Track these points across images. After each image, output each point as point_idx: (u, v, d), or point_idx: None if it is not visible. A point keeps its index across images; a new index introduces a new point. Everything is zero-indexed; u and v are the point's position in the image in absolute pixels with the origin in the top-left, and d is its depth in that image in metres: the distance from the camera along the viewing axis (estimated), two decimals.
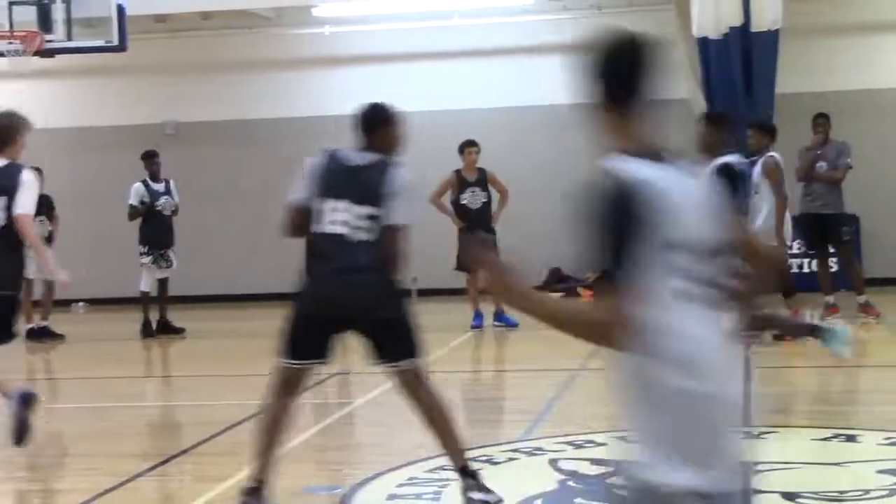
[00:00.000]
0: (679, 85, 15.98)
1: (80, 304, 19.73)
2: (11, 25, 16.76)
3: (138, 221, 16.44)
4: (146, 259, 16.42)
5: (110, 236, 18.62)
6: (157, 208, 16.36)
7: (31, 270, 16.42)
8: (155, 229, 16.47)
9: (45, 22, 17.26)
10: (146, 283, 16.44)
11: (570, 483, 8.11)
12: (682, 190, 3.72)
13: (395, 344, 7.51)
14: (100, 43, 17.59)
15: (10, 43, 16.85)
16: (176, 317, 16.69)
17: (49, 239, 15.92)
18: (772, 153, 13.32)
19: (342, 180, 7.35)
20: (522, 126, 19.86)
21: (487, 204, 16.08)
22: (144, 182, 16.44)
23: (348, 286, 7.32)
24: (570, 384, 11.88)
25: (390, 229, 7.30)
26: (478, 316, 16.07)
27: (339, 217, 7.27)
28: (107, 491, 8.34)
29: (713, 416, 3.81)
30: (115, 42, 17.24)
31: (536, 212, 17.42)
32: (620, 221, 3.54)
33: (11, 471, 9.67)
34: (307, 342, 7.50)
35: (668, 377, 3.71)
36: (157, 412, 12.37)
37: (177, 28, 19.96)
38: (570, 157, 14.75)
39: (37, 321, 16.61)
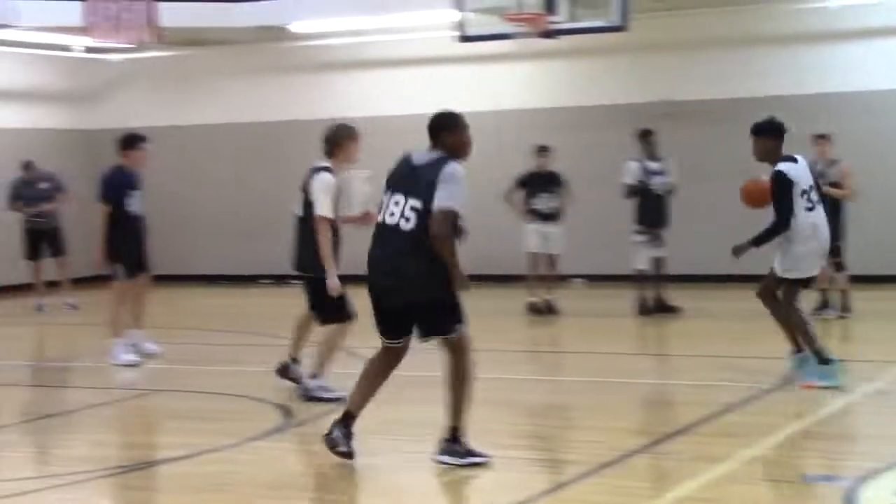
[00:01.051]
0: None
1: (579, 279, 20.13)
2: (520, 7, 17.39)
3: (634, 200, 16.60)
4: (640, 238, 16.55)
5: (608, 213, 18.90)
6: (651, 188, 16.46)
7: (532, 244, 17.04)
8: (649, 209, 16.50)
9: (551, 4, 17.78)
10: (641, 262, 16.54)
11: None
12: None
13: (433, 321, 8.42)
14: (601, 23, 17.89)
15: (518, 25, 17.48)
16: (673, 296, 16.69)
17: None
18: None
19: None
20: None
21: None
22: (640, 161, 16.56)
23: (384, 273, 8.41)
24: None
25: (430, 214, 8.14)
26: None
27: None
28: (605, 465, 8.48)
29: None
30: (618, 22, 17.50)
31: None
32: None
33: (518, 438, 10.08)
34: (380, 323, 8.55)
35: None
36: (654, 390, 12.40)
37: (676, 6, 19.96)
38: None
39: (541, 296, 17.14)
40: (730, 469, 8.33)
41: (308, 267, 10.85)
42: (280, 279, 19.57)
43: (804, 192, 11.00)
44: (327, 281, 10.53)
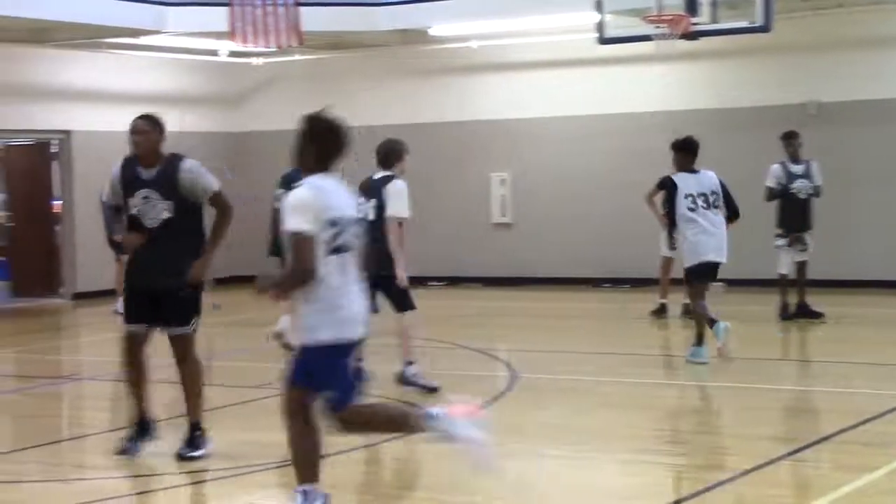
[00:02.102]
0: None
1: (719, 284, 19.90)
2: (660, 9, 17.30)
3: (777, 203, 16.39)
4: (781, 241, 16.33)
5: (750, 216, 18.63)
6: (792, 191, 16.24)
7: (664, 249, 16.92)
8: (792, 212, 16.29)
9: (692, 5, 17.66)
10: (783, 266, 16.35)
11: None
12: None
13: None
14: (744, 24, 17.71)
15: (658, 27, 17.39)
16: (815, 300, 16.43)
17: None
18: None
19: None
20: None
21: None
22: (783, 163, 16.35)
23: None
24: None
25: None
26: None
27: None
28: (745, 472, 8.39)
29: None
30: (760, 23, 17.31)
31: None
32: None
33: (660, 443, 10.02)
34: None
35: None
36: (795, 396, 12.20)
37: (821, 6, 19.66)
38: None
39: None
40: (873, 479, 8.19)
41: (386, 266, 11.43)
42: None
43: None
44: (397, 272, 11.49)
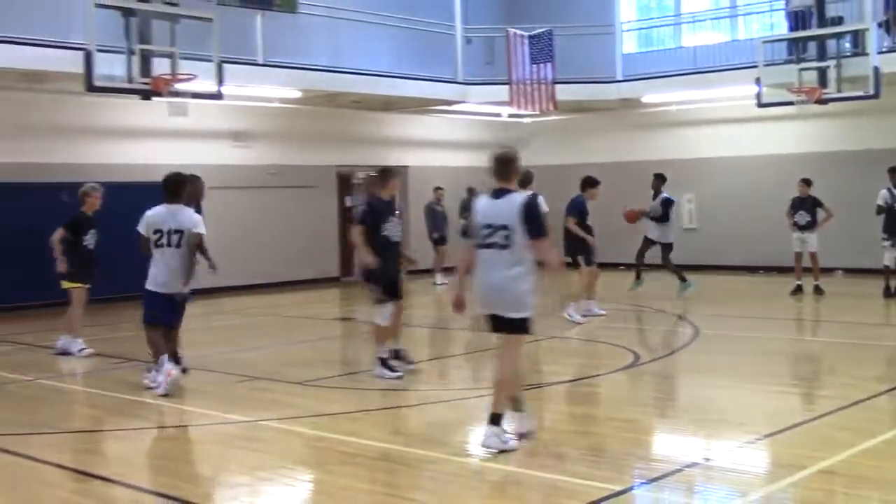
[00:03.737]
0: None
1: (840, 271, 19.33)
2: (801, 83, 17.18)
3: (883, 215, 15.75)
4: (886, 243, 15.67)
5: (864, 225, 18.04)
6: (895, 207, 15.71)
7: (795, 246, 16.57)
8: (893, 222, 15.61)
9: (823, 80, 17.42)
10: (887, 259, 15.63)
11: None
12: None
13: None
14: (860, 93, 17.33)
15: (799, 95, 17.24)
16: None
17: None
18: None
19: None
20: None
21: None
22: (889, 189, 15.62)
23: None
24: None
25: None
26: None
27: None
28: (853, 403, 8.13)
29: None
30: (872, 92, 16.97)
31: None
32: None
33: (793, 380, 9.92)
34: None
35: None
36: (893, 349, 11.66)
37: None
38: None
39: (805, 281, 16.57)
40: None
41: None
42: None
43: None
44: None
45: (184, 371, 9.64)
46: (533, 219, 6.55)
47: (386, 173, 9.89)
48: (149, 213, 9.34)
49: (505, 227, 6.55)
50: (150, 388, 9.15)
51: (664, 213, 16.76)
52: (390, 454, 6.72)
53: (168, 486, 6.11)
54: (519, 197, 6.64)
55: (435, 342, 11.14)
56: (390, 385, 9.35)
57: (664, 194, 16.88)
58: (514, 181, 6.79)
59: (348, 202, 22.34)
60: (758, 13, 21.38)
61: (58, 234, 11.50)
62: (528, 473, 6.29)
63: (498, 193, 6.70)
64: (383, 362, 9.54)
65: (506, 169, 6.76)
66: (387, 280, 9.50)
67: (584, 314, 13.69)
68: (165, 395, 8.88)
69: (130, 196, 13.79)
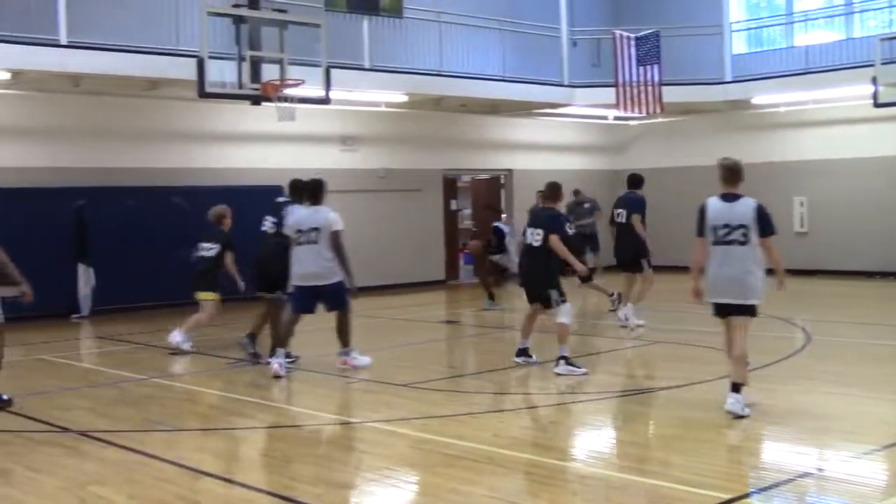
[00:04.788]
0: None
1: None
2: None
3: None
4: None
5: None
6: None
7: None
8: None
9: None
10: None
11: None
12: None
13: None
14: None
15: None
16: None
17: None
18: None
19: None
20: None
21: None
22: None
23: None
24: None
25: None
26: None
27: None
28: None
29: None
30: None
31: None
32: None
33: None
34: None
35: None
36: None
37: None
38: None
39: None
40: None
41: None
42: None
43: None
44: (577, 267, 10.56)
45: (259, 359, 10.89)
46: (765, 220, 7.82)
47: (557, 188, 10.53)
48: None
49: (743, 227, 7.79)
50: (277, 376, 10.06)
51: (499, 243, 16.42)
52: (495, 457, 6.74)
53: (278, 486, 6.23)
54: (751, 201, 7.86)
55: (542, 345, 11.08)
56: (496, 388, 9.38)
57: (496, 223, 16.91)
58: (740, 186, 7.95)
59: (454, 206, 22.47)
60: (876, 10, 20.76)
61: (228, 257, 11.80)
62: (634, 480, 6.22)
63: (730, 197, 7.93)
64: (567, 360, 9.94)
65: (735, 176, 7.96)
66: (559, 282, 10.15)
67: (625, 319, 13.44)
68: (277, 378, 9.95)
69: (241, 199, 14.24)
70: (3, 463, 6.98)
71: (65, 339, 13.87)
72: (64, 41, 14.59)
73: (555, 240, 9.89)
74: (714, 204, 7.96)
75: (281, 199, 11.26)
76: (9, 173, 15.79)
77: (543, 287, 10.03)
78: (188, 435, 7.98)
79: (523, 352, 10.54)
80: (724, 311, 7.99)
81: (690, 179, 23.14)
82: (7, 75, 14.95)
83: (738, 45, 22.67)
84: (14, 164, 16.04)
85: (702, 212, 7.99)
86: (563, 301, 10.01)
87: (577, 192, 19.88)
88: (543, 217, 10.24)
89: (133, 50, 15.29)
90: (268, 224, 11.01)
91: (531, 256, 10.17)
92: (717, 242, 7.86)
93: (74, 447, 7.36)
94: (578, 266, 10.42)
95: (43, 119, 16.50)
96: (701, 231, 7.98)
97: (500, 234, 16.64)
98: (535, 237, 10.07)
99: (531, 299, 10.33)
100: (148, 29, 15.75)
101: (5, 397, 8.93)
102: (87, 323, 15.77)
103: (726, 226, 7.82)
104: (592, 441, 7.52)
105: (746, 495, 5.86)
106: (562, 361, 9.91)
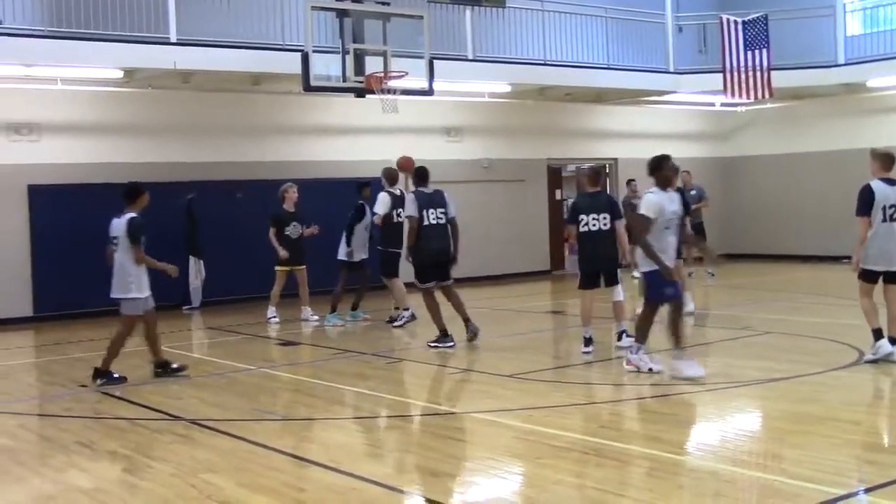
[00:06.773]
0: None
1: None
2: None
3: None
4: None
5: None
6: None
7: None
8: None
9: None
10: None
11: None
12: None
13: None
14: None
15: None
16: None
17: None
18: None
19: None
20: None
21: None
22: None
23: None
24: None
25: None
26: None
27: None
28: None
29: None
30: None
31: None
32: None
33: None
34: None
35: None
36: None
37: None
38: None
39: None
40: None
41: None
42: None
43: None
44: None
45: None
46: None
47: (599, 172, 11.14)
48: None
49: None
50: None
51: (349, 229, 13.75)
52: (602, 450, 6.67)
53: (383, 475, 6.28)
54: None
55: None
56: (601, 379, 9.31)
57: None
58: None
59: (558, 195, 22.34)
60: None
61: (271, 231, 14.08)
62: (744, 473, 6.08)
63: (891, 181, 9.27)
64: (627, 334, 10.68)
65: (893, 162, 9.31)
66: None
67: None
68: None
69: (344, 191, 14.47)
70: (122, 450, 7.20)
71: (178, 330, 14.26)
72: (174, 39, 14.97)
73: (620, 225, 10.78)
74: (880, 186, 9.19)
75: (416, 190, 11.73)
76: (124, 169, 16.28)
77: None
78: (296, 424, 8.11)
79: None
80: (892, 277, 9.27)
81: (804, 166, 22.58)
82: (120, 73, 15.42)
83: (852, 25, 21.94)
84: (128, 160, 16.54)
85: (870, 193, 9.14)
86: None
87: (628, 183, 19.63)
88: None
89: (240, 46, 15.60)
90: (433, 216, 11.47)
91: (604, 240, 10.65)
92: (886, 219, 9.14)
93: (187, 435, 7.56)
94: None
95: (154, 115, 16.98)
96: (864, 210, 9.11)
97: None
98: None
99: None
100: (254, 25, 16.04)
101: (116, 375, 9.87)
102: (198, 314, 16.19)
103: (893, 206, 9.14)
104: (701, 433, 7.37)
105: (861, 491, 5.67)
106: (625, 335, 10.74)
